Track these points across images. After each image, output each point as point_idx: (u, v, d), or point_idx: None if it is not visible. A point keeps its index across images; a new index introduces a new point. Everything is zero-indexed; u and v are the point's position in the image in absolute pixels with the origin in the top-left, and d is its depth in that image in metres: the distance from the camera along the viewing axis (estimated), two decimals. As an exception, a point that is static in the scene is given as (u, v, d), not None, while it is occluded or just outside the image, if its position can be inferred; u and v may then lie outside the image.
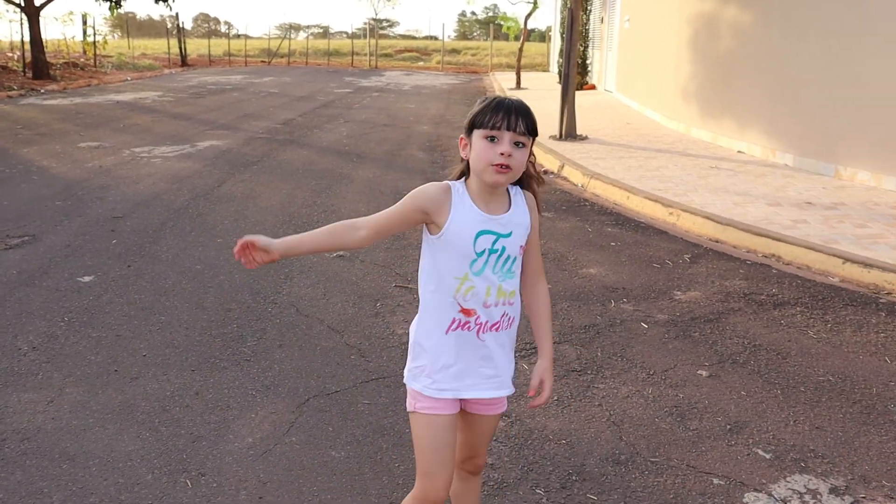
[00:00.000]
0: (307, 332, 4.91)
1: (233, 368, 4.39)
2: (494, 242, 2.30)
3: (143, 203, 8.17)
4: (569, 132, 12.51)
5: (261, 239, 2.37)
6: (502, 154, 2.21)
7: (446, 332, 2.35)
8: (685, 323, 5.15)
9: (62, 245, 6.62)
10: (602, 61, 22.16)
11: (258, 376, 4.30)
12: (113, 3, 25.96)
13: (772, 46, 10.64)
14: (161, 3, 26.33)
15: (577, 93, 13.33)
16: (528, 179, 2.41)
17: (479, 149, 2.24)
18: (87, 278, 5.82)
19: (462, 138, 2.33)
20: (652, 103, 15.60)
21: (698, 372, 4.43)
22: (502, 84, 25.11)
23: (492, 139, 2.23)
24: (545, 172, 10.39)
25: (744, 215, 7.54)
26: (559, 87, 13.17)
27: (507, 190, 2.37)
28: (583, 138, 12.53)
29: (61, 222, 7.36)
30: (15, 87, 21.22)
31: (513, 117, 2.22)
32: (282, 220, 7.57)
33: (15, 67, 25.88)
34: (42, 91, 21.52)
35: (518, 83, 23.79)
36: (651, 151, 11.39)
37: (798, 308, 5.47)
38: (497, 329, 2.36)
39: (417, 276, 2.46)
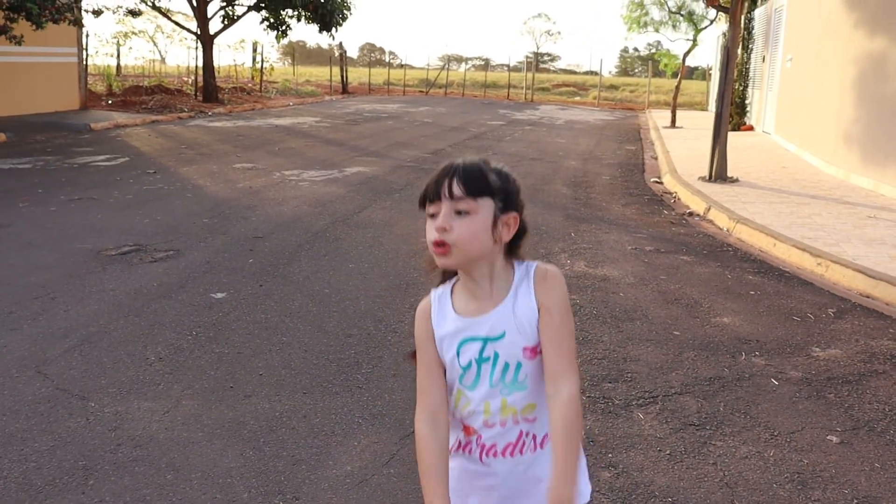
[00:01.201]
0: (422, 363, 4.88)
1: (344, 394, 4.40)
2: (482, 350, 1.85)
3: (284, 225, 8.41)
4: (719, 174, 12.10)
5: None
6: (437, 229, 1.78)
7: (451, 455, 1.93)
8: (820, 383, 4.82)
9: (202, 261, 6.88)
10: (762, 101, 21.41)
11: (367, 404, 4.29)
12: (280, 32, 27.14)
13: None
14: (325, 32, 27.28)
15: (734, 133, 12.92)
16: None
17: (427, 232, 1.83)
18: (219, 295, 6.02)
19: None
20: (811, 147, 14.90)
21: (828, 437, 4.12)
22: (657, 122, 24.66)
23: (433, 216, 1.81)
24: (689, 214, 10.08)
25: (900, 270, 7.05)
26: (712, 126, 12.77)
27: (514, 272, 1.89)
28: (733, 181, 12.09)
29: (205, 239, 7.66)
30: (186, 109, 22.46)
31: (446, 181, 1.78)
32: (415, 249, 7.62)
33: (188, 91, 27.45)
34: (209, 113, 22.69)
35: (673, 121, 23.30)
36: (805, 197, 10.85)
37: (951, 375, 5.03)
38: (513, 453, 1.88)
39: None
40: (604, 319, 5.78)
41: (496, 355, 1.84)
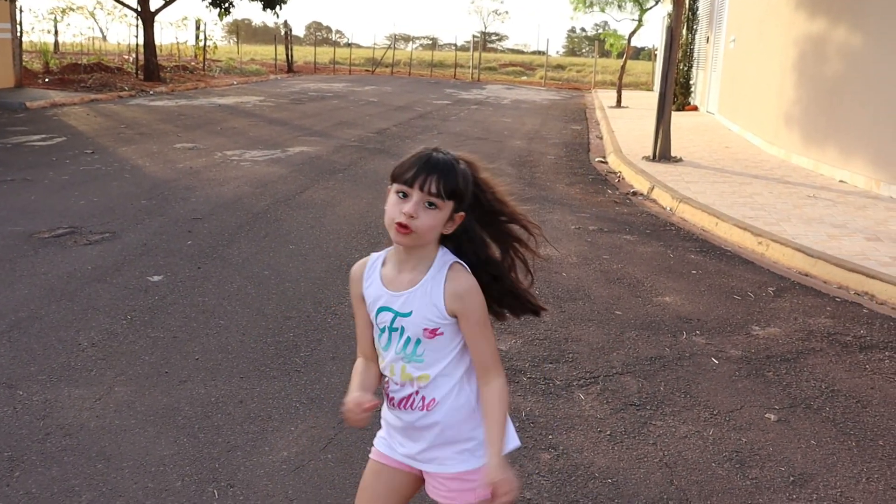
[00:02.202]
0: (362, 345, 4.81)
1: (281, 378, 4.32)
2: (392, 321, 2.10)
3: (223, 206, 8.25)
4: (662, 154, 12.18)
5: (355, 397, 2.15)
6: (404, 213, 1.98)
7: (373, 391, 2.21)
8: (759, 361, 4.86)
9: (139, 244, 6.71)
10: (706, 82, 21.61)
11: (305, 388, 4.22)
12: (223, 10, 26.64)
13: (883, 70, 10.12)
14: (269, 10, 26.86)
15: (678, 114, 13.02)
16: (483, 267, 2.15)
17: (389, 204, 2.05)
18: (156, 278, 5.88)
19: (388, 188, 2.09)
20: (753, 127, 15.08)
21: (766, 415, 4.15)
22: (603, 101, 24.77)
23: (402, 195, 2.02)
24: (633, 194, 10.12)
25: (838, 249, 7.15)
26: (657, 106, 12.83)
27: (433, 262, 2.10)
28: (677, 160, 12.18)
29: (143, 221, 7.48)
30: (126, 88, 21.96)
31: (426, 176, 1.99)
32: (357, 229, 7.53)
33: (129, 69, 26.85)
34: (150, 92, 22.23)
35: (619, 101, 23.43)
36: (747, 177, 10.97)
37: (887, 352, 5.10)
38: (403, 406, 2.16)
39: None
40: (546, 300, 5.76)
41: (402, 329, 2.10)
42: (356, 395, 2.13)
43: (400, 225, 2.00)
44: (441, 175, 2.00)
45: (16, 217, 7.42)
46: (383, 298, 2.11)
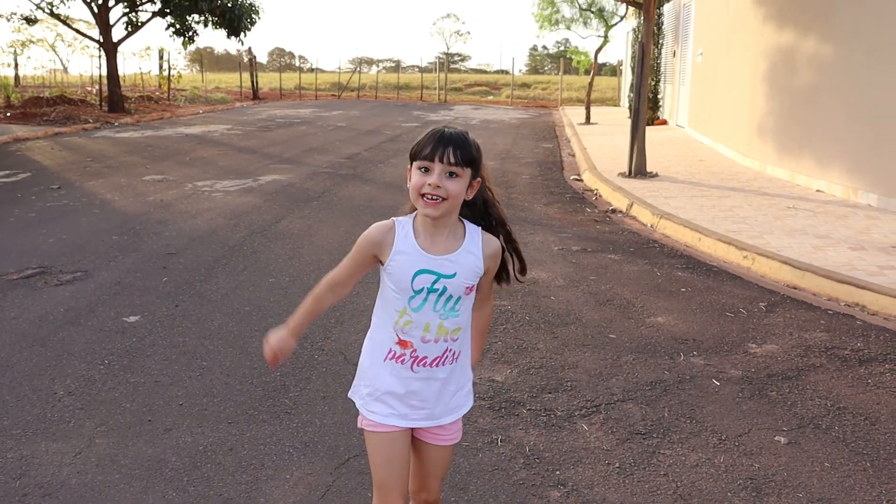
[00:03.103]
0: (353, 382, 4.61)
1: (271, 422, 4.12)
2: (434, 282, 2.32)
3: (198, 239, 8.03)
4: (639, 169, 12.12)
5: (274, 338, 2.47)
6: (430, 184, 2.23)
7: (384, 360, 2.41)
8: (761, 380, 4.73)
9: (112, 282, 6.48)
10: (674, 96, 21.69)
11: (297, 431, 4.02)
12: (186, 39, 26.41)
13: (854, 79, 10.13)
14: (233, 38, 26.67)
15: (648, 128, 12.94)
16: (499, 227, 2.46)
17: (413, 179, 2.29)
18: (132, 318, 5.65)
19: (409, 169, 2.34)
20: (726, 139, 15.09)
21: (776, 438, 4.01)
22: (572, 119, 24.78)
23: (424, 170, 2.26)
24: (613, 211, 10.02)
25: (824, 260, 7.07)
26: (629, 122, 12.79)
27: (465, 229, 2.38)
28: (653, 176, 12.12)
29: (115, 258, 7.24)
30: (90, 120, 21.65)
31: (444, 148, 2.23)
32: (336, 258, 7.25)
33: (92, 101, 26.51)
34: (116, 124, 21.92)
35: (588, 118, 23.44)
36: (724, 190, 10.92)
37: (887, 365, 5.00)
38: (436, 364, 2.39)
39: None
40: (537, 325, 5.61)
41: (444, 289, 2.32)
42: (292, 343, 2.46)
43: (430, 196, 2.23)
44: (457, 146, 2.24)
45: (-18, 259, 7.16)
46: (422, 262, 2.31)
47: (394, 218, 2.38)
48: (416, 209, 2.33)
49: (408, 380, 2.38)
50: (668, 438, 4.00)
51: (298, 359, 4.95)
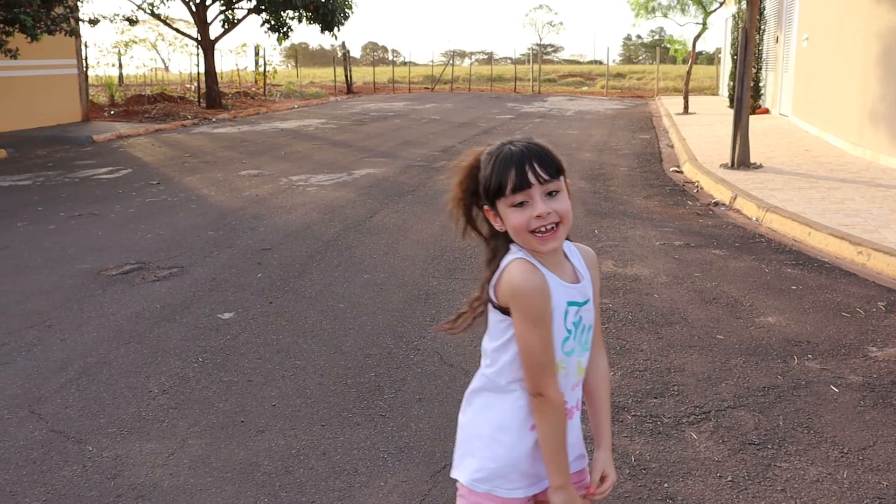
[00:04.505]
0: (450, 384, 4.47)
1: (366, 425, 4.01)
2: (577, 313, 1.95)
3: (293, 234, 8.02)
4: (742, 160, 11.65)
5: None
6: (538, 217, 1.84)
7: (531, 429, 1.95)
8: (884, 387, 4.40)
9: (208, 278, 6.49)
10: (777, 83, 20.90)
11: (392, 435, 3.89)
12: (281, 34, 26.73)
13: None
14: (327, 33, 26.87)
15: (750, 118, 12.43)
16: None
17: (511, 221, 1.88)
18: (227, 315, 5.63)
19: (487, 210, 1.93)
20: (833, 128, 14.42)
21: (905, 452, 3.71)
22: (669, 108, 24.16)
23: (520, 204, 1.86)
24: (715, 204, 9.64)
25: (949, 256, 6.61)
26: (729, 111, 12.36)
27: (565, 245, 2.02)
28: (757, 167, 11.64)
29: (211, 253, 7.27)
30: (189, 117, 22.11)
31: (529, 167, 1.85)
32: (433, 254, 7.21)
33: (191, 98, 27.11)
34: (213, 120, 22.34)
35: (686, 108, 22.80)
36: (834, 181, 10.40)
37: None
38: (576, 411, 2.04)
39: (484, 358, 2.03)
40: (640, 325, 5.37)
41: (580, 319, 1.96)
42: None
43: (547, 230, 1.86)
44: (538, 158, 1.87)
45: (83, 254, 7.28)
46: (567, 294, 1.93)
47: (514, 257, 1.91)
48: (521, 247, 1.93)
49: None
50: (784, 450, 3.73)
51: (393, 358, 4.83)
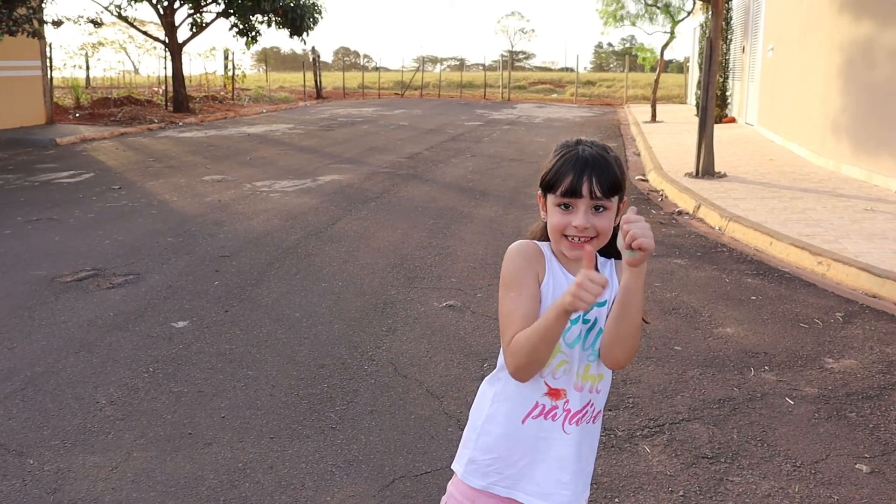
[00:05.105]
0: (403, 395, 4.41)
1: (315, 437, 3.94)
2: (586, 311, 1.86)
3: (253, 241, 7.92)
4: (706, 169, 11.70)
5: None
6: (576, 227, 1.84)
7: (523, 422, 1.95)
8: (839, 399, 4.40)
9: (164, 285, 6.38)
10: (743, 93, 21.08)
11: (341, 448, 3.83)
12: (249, 39, 26.56)
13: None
14: (296, 37, 26.74)
15: (716, 126, 12.51)
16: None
17: (552, 217, 1.90)
18: (181, 324, 5.53)
19: (539, 195, 1.96)
20: (797, 138, 14.55)
21: (857, 466, 3.69)
22: (637, 117, 24.28)
23: (565, 207, 1.87)
24: (679, 213, 9.67)
25: (906, 267, 6.65)
26: (696, 119, 12.39)
27: (596, 260, 1.90)
28: (721, 176, 11.70)
29: (168, 260, 7.16)
30: (155, 120, 21.87)
31: (587, 177, 1.83)
32: (393, 262, 7.15)
33: (158, 101, 26.85)
34: (180, 123, 22.12)
35: (654, 116, 22.93)
36: (797, 191, 10.47)
37: (978, 384, 4.62)
38: (579, 422, 1.94)
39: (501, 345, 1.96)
40: (598, 335, 5.34)
41: (595, 320, 1.90)
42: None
43: (579, 240, 1.85)
44: (601, 172, 1.84)
45: (39, 260, 7.14)
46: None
47: (527, 241, 1.98)
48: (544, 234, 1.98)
49: (558, 443, 1.94)
50: (737, 464, 3.71)
51: (347, 368, 4.76)
